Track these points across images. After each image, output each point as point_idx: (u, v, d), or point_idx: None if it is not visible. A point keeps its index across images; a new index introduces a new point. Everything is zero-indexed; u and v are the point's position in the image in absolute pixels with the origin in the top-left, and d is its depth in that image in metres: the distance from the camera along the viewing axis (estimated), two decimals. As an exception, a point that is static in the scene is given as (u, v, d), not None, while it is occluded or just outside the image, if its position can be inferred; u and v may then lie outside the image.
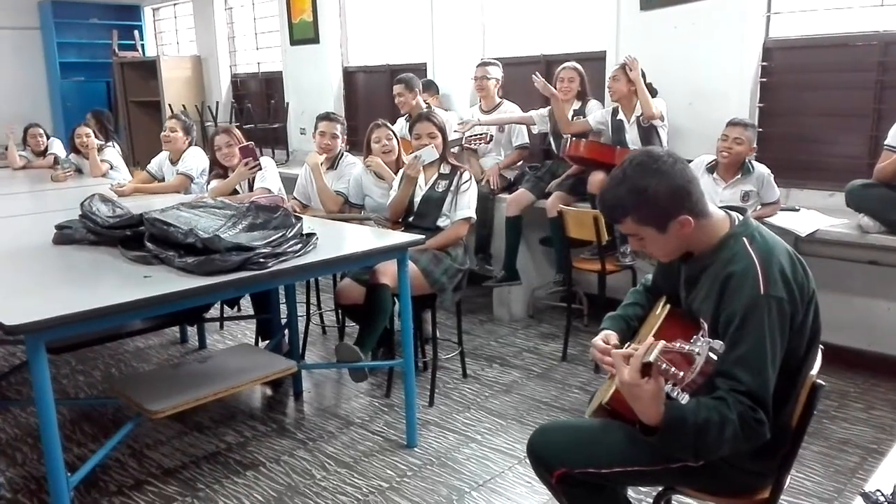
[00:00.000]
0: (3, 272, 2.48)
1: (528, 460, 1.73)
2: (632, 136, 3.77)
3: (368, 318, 2.98)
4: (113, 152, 5.18)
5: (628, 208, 1.55)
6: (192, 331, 4.14)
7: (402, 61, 5.94)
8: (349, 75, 6.38)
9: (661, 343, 1.36)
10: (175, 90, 7.54)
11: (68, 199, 4.34)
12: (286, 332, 3.34)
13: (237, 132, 3.88)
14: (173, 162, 4.36)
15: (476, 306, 4.53)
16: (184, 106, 7.15)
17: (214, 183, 3.81)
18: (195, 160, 4.29)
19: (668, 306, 1.69)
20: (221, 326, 4.34)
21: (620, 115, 3.84)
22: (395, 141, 3.67)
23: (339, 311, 3.82)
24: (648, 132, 3.71)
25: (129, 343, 4.05)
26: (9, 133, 5.94)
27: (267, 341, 3.63)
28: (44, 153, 5.92)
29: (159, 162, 4.48)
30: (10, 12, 8.17)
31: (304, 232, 2.55)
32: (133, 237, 2.57)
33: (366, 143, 3.71)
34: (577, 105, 4.11)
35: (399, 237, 2.83)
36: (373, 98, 6.20)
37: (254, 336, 3.97)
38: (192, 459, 2.80)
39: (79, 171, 5.20)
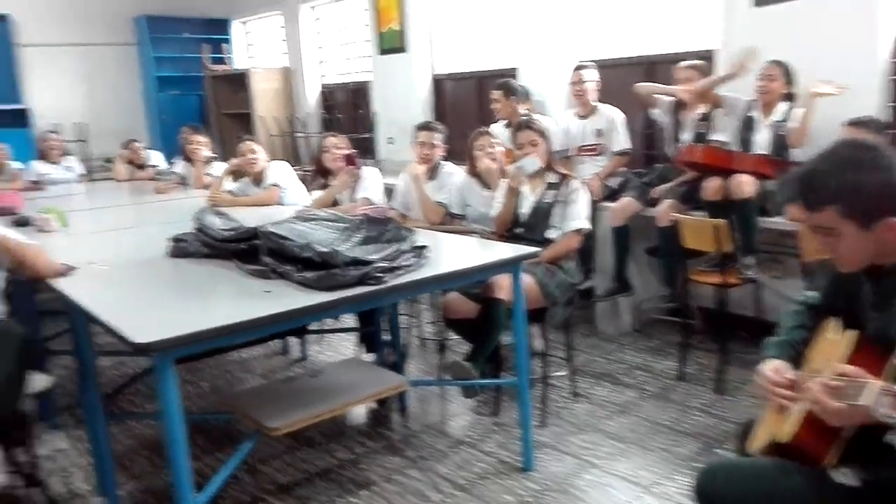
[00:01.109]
0: (123, 285, 2.50)
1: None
2: (761, 139, 3.54)
3: (482, 333, 2.88)
4: (218, 166, 5.27)
5: (838, 196, 1.35)
6: (292, 341, 4.15)
7: (490, 67, 5.85)
8: (437, 83, 6.33)
9: (878, 384, 1.18)
10: (265, 102, 7.68)
11: (174, 211, 4.44)
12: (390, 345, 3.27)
13: (345, 140, 3.86)
14: (257, 182, 4.36)
15: (575, 320, 4.36)
16: (274, 118, 7.27)
17: (317, 193, 3.79)
18: (280, 171, 4.31)
19: (852, 332, 1.50)
20: (323, 337, 4.33)
21: (754, 113, 3.60)
22: (499, 148, 3.56)
23: (445, 325, 3.73)
24: (781, 139, 3.47)
25: (232, 354, 4.08)
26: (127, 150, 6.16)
27: (370, 354, 3.57)
28: (143, 166, 6.11)
29: (241, 187, 4.48)
30: (108, 29, 8.51)
31: (416, 245, 2.48)
32: (248, 250, 2.54)
33: (469, 152, 3.62)
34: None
35: (514, 250, 2.71)
36: (461, 105, 6.13)
37: (353, 347, 3.94)
38: (305, 476, 2.76)
39: (181, 182, 5.31)
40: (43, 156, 6.12)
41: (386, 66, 6.55)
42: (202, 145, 5.28)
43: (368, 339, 3.67)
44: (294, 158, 7.08)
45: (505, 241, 3.14)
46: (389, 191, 4.13)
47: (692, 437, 2.89)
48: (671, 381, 3.45)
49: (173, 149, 6.76)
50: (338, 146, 3.74)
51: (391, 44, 6.45)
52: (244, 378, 3.79)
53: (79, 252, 2.76)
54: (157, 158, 6.24)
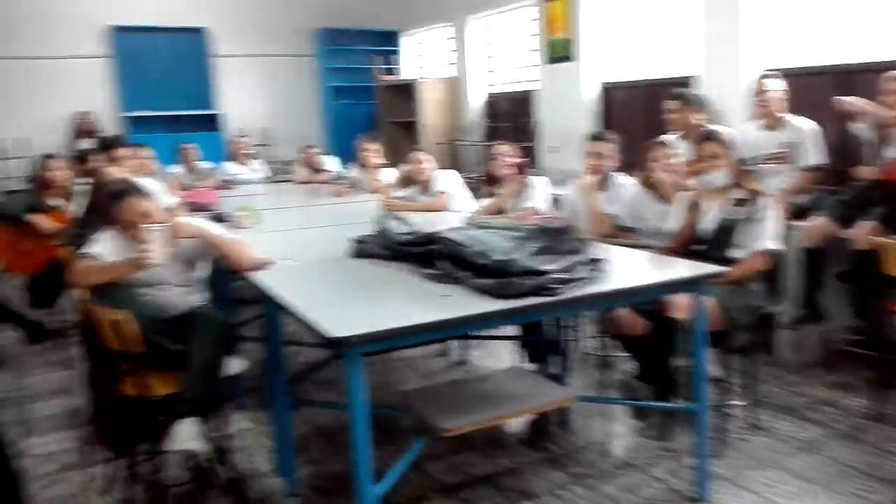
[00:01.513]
0: (311, 281, 2.66)
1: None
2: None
3: (654, 353, 2.77)
4: (388, 172, 5.50)
5: None
6: (452, 344, 4.23)
7: (663, 76, 5.65)
8: (606, 92, 6.21)
9: None
10: (431, 111, 7.92)
11: (349, 214, 4.68)
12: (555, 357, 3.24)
13: (515, 148, 3.88)
14: (424, 190, 4.48)
15: (755, 347, 4.08)
16: (441, 126, 7.48)
17: (484, 201, 3.84)
18: (448, 179, 4.41)
19: None
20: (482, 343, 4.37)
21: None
22: (677, 160, 3.42)
23: (611, 340, 3.64)
24: None
25: (395, 353, 4.22)
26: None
27: (532, 364, 3.56)
28: (320, 170, 6.50)
29: (409, 194, 4.61)
30: (290, 41, 9.18)
31: (592, 257, 2.43)
32: (425, 255, 2.62)
33: (643, 163, 3.51)
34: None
35: (696, 268, 2.59)
36: (630, 115, 5.97)
37: (512, 355, 3.94)
38: (468, 479, 2.80)
39: (354, 186, 5.59)
40: (233, 157, 6.69)
41: (553, 75, 6.53)
42: (374, 152, 5.54)
43: (531, 348, 3.65)
44: (457, 166, 7.24)
45: (681, 258, 3.01)
46: (554, 201, 4.10)
47: (890, 485, 2.61)
48: (864, 421, 3.13)
49: (345, 154, 7.17)
50: (507, 154, 3.77)
51: (559, 52, 6.42)
52: (407, 377, 3.91)
53: (268, 248, 2.95)
54: (331, 163, 6.62)
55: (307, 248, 3.33)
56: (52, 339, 4.23)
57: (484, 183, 4.03)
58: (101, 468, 2.95)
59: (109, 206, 2.69)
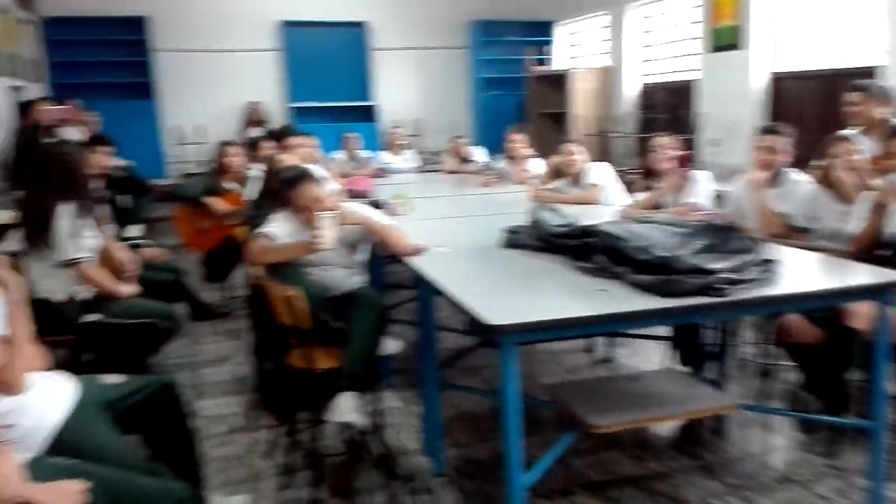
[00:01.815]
0: (464, 269, 2.71)
1: None
2: None
3: (828, 364, 2.58)
4: (536, 163, 5.49)
5: None
6: (598, 340, 4.15)
7: (843, 65, 5.19)
8: (775, 82, 5.81)
9: None
10: (582, 101, 7.79)
11: (498, 205, 4.72)
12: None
13: (677, 140, 3.73)
14: (575, 182, 4.40)
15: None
16: (592, 117, 7.33)
17: (641, 195, 3.73)
18: (601, 171, 4.32)
19: None
20: (626, 342, 4.26)
21: None
22: (861, 157, 3.14)
23: (778, 347, 3.42)
24: None
25: (539, 345, 4.21)
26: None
27: (685, 366, 3.41)
28: (468, 160, 6.59)
29: (560, 186, 4.55)
30: (445, 34, 9.35)
31: (764, 258, 2.29)
32: (580, 248, 2.59)
33: (821, 160, 3.25)
34: None
35: (881, 275, 2.37)
36: (803, 108, 5.55)
37: (662, 356, 3.81)
38: (615, 478, 2.75)
39: (502, 177, 5.62)
40: (387, 147, 6.93)
41: (716, 64, 6.20)
42: (522, 143, 5.54)
43: (684, 350, 3.50)
44: (609, 158, 7.08)
45: (864, 263, 2.76)
46: (716, 197, 3.89)
47: None
48: None
49: (494, 145, 7.22)
50: (668, 147, 3.62)
51: (725, 40, 6.08)
52: (549, 369, 3.89)
53: (420, 235, 3.01)
54: (479, 154, 6.69)
55: (458, 237, 3.38)
56: (216, 319, 4.60)
57: (640, 176, 3.90)
58: (265, 433, 3.19)
59: (285, 190, 2.89)
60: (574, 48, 9.27)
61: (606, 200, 4.19)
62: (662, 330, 3.83)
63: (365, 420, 2.59)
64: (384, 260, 3.72)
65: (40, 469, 1.70)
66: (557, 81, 8.20)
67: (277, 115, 8.80)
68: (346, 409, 2.54)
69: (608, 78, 7.88)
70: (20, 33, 6.87)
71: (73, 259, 2.95)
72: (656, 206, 3.60)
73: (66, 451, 1.89)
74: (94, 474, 1.75)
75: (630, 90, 7.64)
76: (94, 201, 3.10)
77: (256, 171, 4.87)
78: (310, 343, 2.61)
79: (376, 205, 4.12)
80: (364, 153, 6.78)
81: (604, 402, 2.46)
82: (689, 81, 6.72)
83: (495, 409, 3.37)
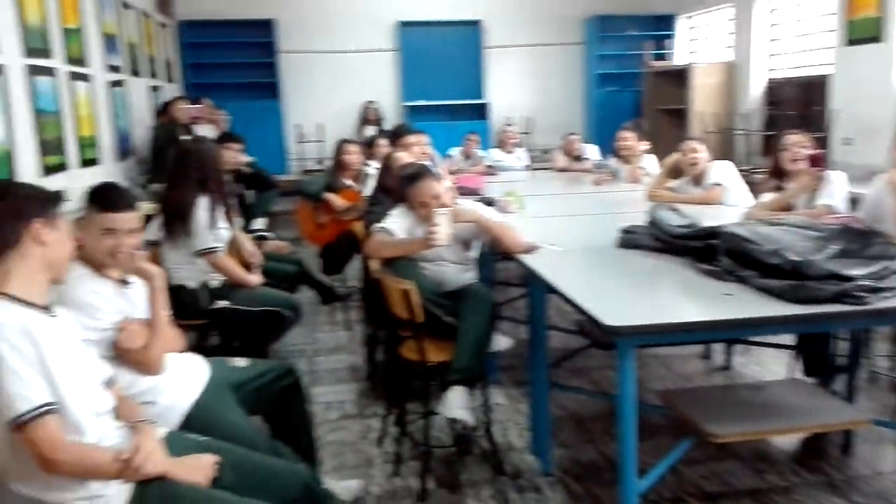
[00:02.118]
0: (577, 268, 2.67)
1: None
2: None
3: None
4: (651, 160, 5.33)
5: None
6: (716, 347, 3.99)
7: None
8: (922, 77, 5.35)
9: None
10: (703, 97, 7.48)
11: (610, 204, 4.62)
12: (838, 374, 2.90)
13: (810, 139, 3.51)
14: (695, 181, 4.23)
15: None
16: (714, 114, 7.03)
17: (768, 195, 3.54)
18: (723, 170, 4.13)
19: None
20: (745, 350, 4.07)
21: None
22: None
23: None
24: None
25: (651, 349, 4.09)
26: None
27: (810, 378, 3.22)
28: (580, 158, 6.48)
29: (679, 185, 4.38)
30: (560, 30, 9.23)
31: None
32: (703, 249, 2.49)
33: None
34: None
35: None
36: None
37: (785, 366, 3.61)
38: (732, 490, 2.64)
39: (614, 176, 5.50)
40: (499, 145, 6.94)
41: (853, 58, 5.78)
42: (637, 141, 5.38)
43: (810, 360, 3.30)
44: (731, 156, 6.76)
45: None
46: (851, 199, 3.63)
47: None
48: None
49: (607, 143, 7.06)
50: (801, 145, 3.41)
51: (863, 33, 5.66)
52: (662, 375, 3.77)
53: (532, 233, 2.99)
54: (592, 152, 6.56)
55: (570, 236, 3.33)
56: (341, 302, 4.78)
57: (767, 176, 3.69)
58: (376, 421, 3.28)
59: (405, 186, 2.94)
60: (695, 42, 8.91)
61: (728, 201, 4.01)
62: (785, 338, 3.64)
63: (473, 417, 2.61)
64: (494, 257, 3.73)
65: (176, 444, 1.84)
66: (677, 77, 7.92)
67: (392, 114, 9.00)
68: (456, 404, 2.56)
69: (732, 73, 7.52)
70: (159, 37, 7.41)
71: (208, 248, 3.14)
72: (786, 208, 3.40)
73: (196, 428, 2.03)
74: (224, 451, 1.87)
75: (755, 86, 7.26)
76: (227, 195, 3.29)
77: (373, 168, 5.02)
78: (422, 336, 2.66)
79: (488, 202, 4.14)
80: (480, 152, 6.81)
81: (723, 411, 2.36)
82: (820, 77, 6.31)
83: (603, 412, 3.32)
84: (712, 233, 2.47)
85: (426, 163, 4.20)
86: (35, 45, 3.91)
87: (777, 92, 7.12)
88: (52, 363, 1.58)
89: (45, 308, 1.69)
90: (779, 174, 3.51)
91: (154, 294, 2.17)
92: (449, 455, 2.98)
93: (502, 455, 2.91)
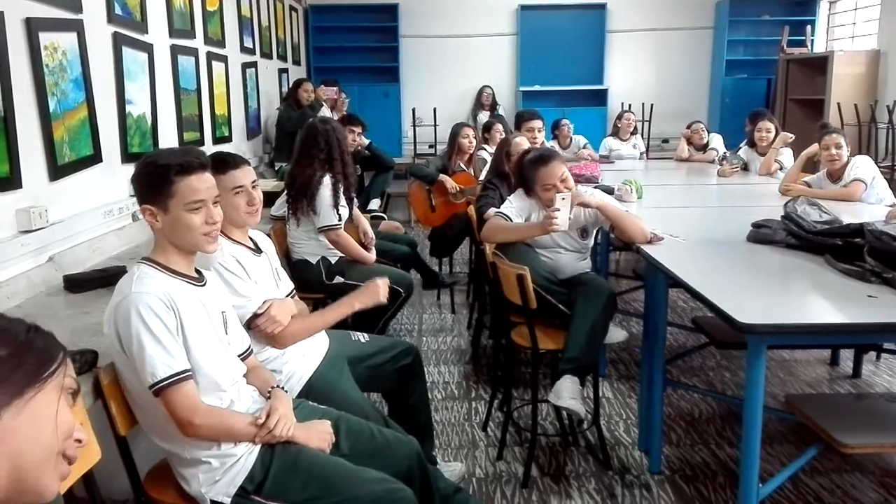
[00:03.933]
0: (703, 262, 2.56)
1: None
2: None
3: None
4: (787, 153, 5.03)
5: None
6: (844, 354, 3.74)
7: None
8: None
9: None
10: (843, 88, 6.95)
11: (738, 196, 4.41)
12: None
13: None
14: (833, 177, 3.94)
15: None
16: (855, 105, 6.53)
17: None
18: (864, 165, 3.84)
19: None
20: (878, 358, 3.79)
21: None
22: None
23: None
24: None
25: (771, 352, 3.88)
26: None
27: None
28: (705, 148, 6.20)
29: (814, 180, 4.10)
30: (689, 14, 8.80)
31: None
32: (845, 248, 2.33)
33: None
34: None
35: None
36: None
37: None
38: (854, 503, 2.47)
39: (745, 167, 5.23)
40: (615, 132, 6.74)
41: None
42: (769, 132, 5.09)
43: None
44: (870, 151, 6.27)
45: None
46: None
47: None
48: None
49: (734, 133, 6.71)
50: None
51: None
52: (785, 380, 3.57)
53: (651, 224, 2.87)
54: (717, 142, 6.27)
55: (693, 228, 3.21)
56: (443, 288, 4.82)
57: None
58: (481, 405, 3.30)
59: (531, 168, 2.88)
60: (837, 29, 8.29)
61: (869, 198, 3.73)
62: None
63: (585, 408, 2.56)
64: (609, 247, 3.64)
65: (300, 410, 1.92)
66: (815, 65, 7.39)
67: (507, 99, 8.94)
68: (567, 393, 2.52)
69: (876, 62, 6.95)
70: (289, 20, 7.69)
71: (330, 226, 3.25)
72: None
73: (313, 397, 2.11)
74: (341, 420, 1.94)
75: (902, 76, 6.69)
76: (350, 175, 3.37)
77: (487, 153, 5.02)
78: (534, 323, 2.63)
79: (606, 191, 4.05)
80: (579, 139, 6.62)
81: (853, 420, 2.21)
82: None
83: (717, 414, 3.19)
84: (857, 230, 2.30)
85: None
86: (179, 26, 4.16)
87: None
88: (191, 331, 1.67)
89: (192, 277, 1.78)
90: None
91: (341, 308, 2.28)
92: (554, 445, 2.96)
93: (610, 449, 2.86)
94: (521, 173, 2.99)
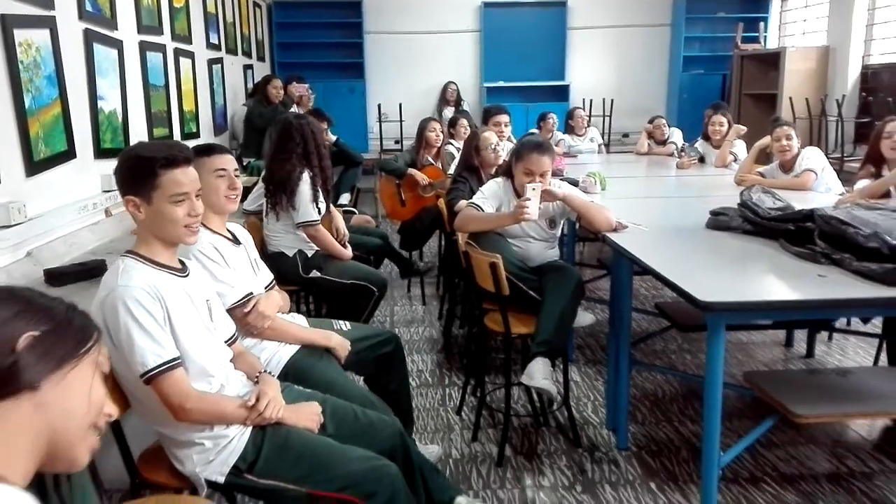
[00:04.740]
0: (665, 248, 2.68)
1: None
2: None
3: None
4: (740, 145, 5.24)
5: None
6: (798, 336, 3.94)
7: None
8: None
9: None
10: (795, 82, 7.23)
11: (696, 187, 4.59)
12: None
13: None
14: (784, 168, 4.15)
15: None
16: (807, 100, 6.80)
17: (863, 182, 3.46)
18: (814, 156, 4.05)
19: None
20: (830, 338, 4.01)
21: None
22: None
23: None
24: None
25: (729, 334, 4.07)
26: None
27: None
28: (665, 142, 6.39)
29: (768, 170, 4.29)
30: (646, 11, 9.03)
31: None
32: (797, 232, 2.49)
33: None
34: None
35: None
36: None
37: (872, 355, 3.55)
38: (809, 472, 2.64)
39: (701, 159, 5.43)
40: (569, 129, 6.86)
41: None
42: (723, 125, 5.31)
43: (895, 348, 3.23)
44: (821, 143, 6.55)
45: None
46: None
47: None
48: None
49: (691, 127, 6.92)
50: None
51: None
52: (743, 361, 3.75)
53: (615, 213, 2.97)
54: (676, 136, 6.46)
55: (655, 217, 3.34)
56: (420, 276, 4.92)
57: (864, 162, 3.61)
58: (455, 390, 3.41)
59: (521, 152, 2.93)
60: (788, 26, 8.60)
61: (819, 188, 3.94)
62: (870, 327, 3.57)
63: (556, 387, 2.68)
64: (575, 239, 3.77)
65: (287, 393, 1.99)
66: (768, 61, 7.66)
67: (472, 95, 9.05)
68: (540, 374, 2.63)
69: (826, 58, 7.24)
70: (253, 16, 7.68)
71: (310, 221, 3.30)
72: (884, 195, 3.32)
73: (292, 378, 2.18)
74: (326, 401, 2.02)
75: (853, 71, 6.97)
76: (326, 170, 3.43)
77: (453, 147, 5.11)
78: (506, 308, 2.74)
79: (571, 183, 4.18)
80: (558, 134, 6.78)
81: (808, 393, 2.37)
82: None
83: (679, 393, 3.35)
84: (808, 215, 2.46)
85: (506, 144, 4.27)
86: (147, 22, 4.17)
87: (873, 78, 6.82)
88: (178, 320, 1.73)
89: (175, 268, 1.83)
90: (876, 161, 3.42)
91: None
92: (526, 426, 3.08)
93: (579, 428, 2.98)
94: (517, 149, 3.05)
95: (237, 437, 1.79)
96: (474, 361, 3.35)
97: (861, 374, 2.70)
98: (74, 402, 0.90)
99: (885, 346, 3.36)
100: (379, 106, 8.55)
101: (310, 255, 3.37)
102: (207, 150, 2.23)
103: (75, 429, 0.91)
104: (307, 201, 3.27)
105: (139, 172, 1.75)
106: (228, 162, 2.28)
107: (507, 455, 2.81)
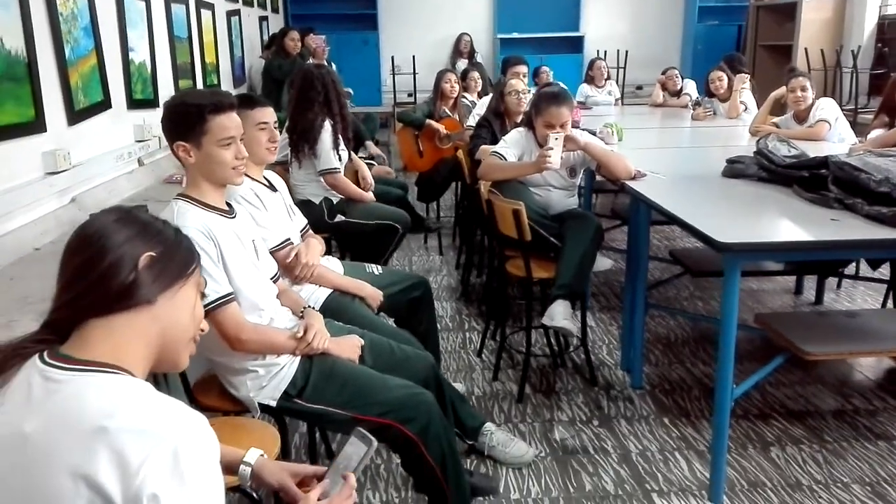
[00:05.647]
0: (683, 195, 2.77)
1: None
2: None
3: None
4: (748, 95, 5.27)
5: None
6: (807, 284, 4.06)
7: None
8: None
9: None
10: (811, 33, 7.19)
11: (709, 137, 4.66)
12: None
13: None
14: (799, 119, 4.21)
15: None
16: (822, 51, 6.78)
17: (877, 132, 3.52)
18: (828, 107, 4.10)
19: None
20: (839, 286, 4.12)
21: None
22: None
23: None
24: None
25: (741, 281, 4.17)
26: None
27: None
28: (678, 93, 6.41)
29: (782, 120, 4.36)
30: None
31: None
32: (811, 179, 2.58)
33: None
34: None
35: None
36: None
37: (880, 302, 3.67)
38: (816, 409, 2.79)
39: (714, 112, 5.48)
40: (589, 80, 6.89)
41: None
42: (723, 80, 5.35)
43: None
44: (835, 94, 6.55)
45: None
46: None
47: None
48: None
49: (704, 78, 6.90)
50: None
51: None
52: (753, 307, 3.87)
53: (633, 163, 3.02)
54: (690, 87, 6.48)
55: (672, 166, 3.42)
56: (428, 233, 5.04)
57: (878, 112, 3.67)
58: (475, 335, 3.55)
59: (542, 103, 2.99)
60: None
61: (833, 138, 4.01)
62: (879, 273, 3.68)
63: (576, 326, 2.81)
64: (592, 189, 3.87)
65: (329, 328, 2.12)
66: (784, 11, 7.60)
67: (485, 47, 9.02)
68: (561, 315, 2.76)
69: (843, 8, 7.18)
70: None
71: (330, 169, 3.41)
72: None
73: (329, 315, 2.30)
74: (365, 336, 2.16)
75: (869, 22, 6.93)
76: (346, 119, 3.52)
77: (467, 100, 5.17)
78: (527, 254, 2.86)
79: (591, 133, 4.25)
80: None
81: (816, 333, 2.49)
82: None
83: (692, 337, 3.49)
84: (822, 163, 2.55)
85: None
86: (169, -26, 4.22)
87: (889, 29, 6.78)
88: (230, 258, 1.85)
89: (224, 210, 1.94)
90: (891, 111, 3.48)
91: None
92: (544, 366, 3.23)
93: (596, 368, 3.13)
94: (535, 101, 3.11)
95: (287, 366, 1.94)
96: (495, 305, 3.49)
97: (868, 315, 2.82)
98: (182, 316, 1.05)
99: (892, 292, 3.48)
100: (392, 58, 8.55)
101: (335, 202, 3.49)
102: (250, 103, 2.32)
103: (182, 338, 1.06)
104: (328, 149, 3.37)
105: (188, 119, 1.84)
106: (269, 115, 2.38)
107: (526, 393, 2.96)
